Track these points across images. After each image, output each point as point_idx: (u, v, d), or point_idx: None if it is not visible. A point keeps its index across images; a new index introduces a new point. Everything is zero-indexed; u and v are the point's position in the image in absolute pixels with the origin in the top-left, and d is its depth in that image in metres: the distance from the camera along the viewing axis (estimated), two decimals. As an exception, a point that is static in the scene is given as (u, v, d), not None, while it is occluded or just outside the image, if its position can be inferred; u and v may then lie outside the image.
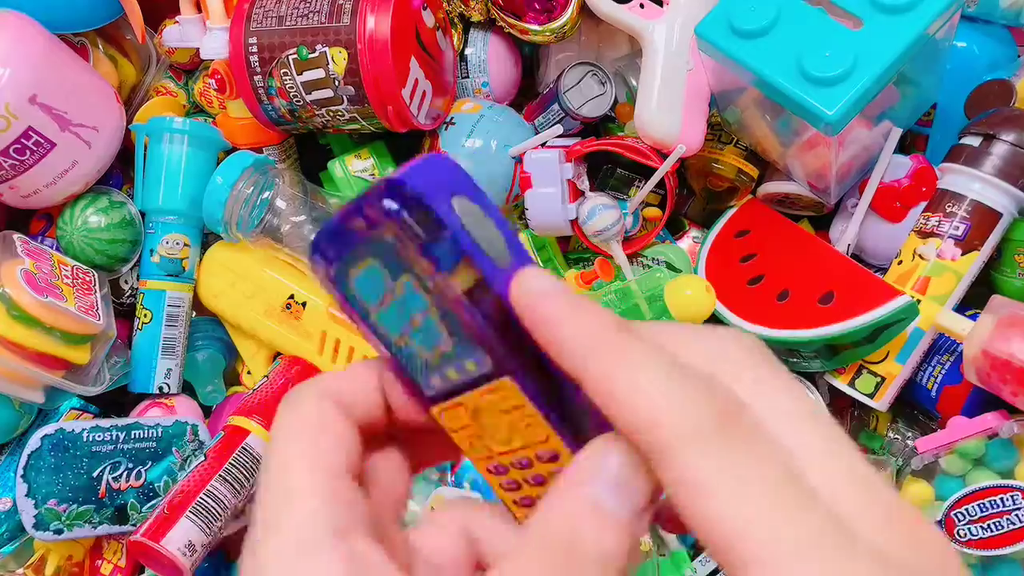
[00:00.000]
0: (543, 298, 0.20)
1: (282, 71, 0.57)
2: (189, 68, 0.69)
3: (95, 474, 0.54)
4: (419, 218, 0.20)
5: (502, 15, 0.61)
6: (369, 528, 0.21)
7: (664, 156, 0.56)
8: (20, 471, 0.53)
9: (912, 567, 0.17)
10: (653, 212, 0.62)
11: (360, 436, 0.23)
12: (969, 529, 0.51)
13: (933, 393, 0.57)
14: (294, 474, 0.21)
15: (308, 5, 0.56)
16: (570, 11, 0.59)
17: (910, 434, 0.60)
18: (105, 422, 0.55)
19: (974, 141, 0.55)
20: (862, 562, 0.17)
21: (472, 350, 0.21)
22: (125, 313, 0.64)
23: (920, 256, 0.55)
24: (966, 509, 0.51)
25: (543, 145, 0.59)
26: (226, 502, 0.53)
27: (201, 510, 0.52)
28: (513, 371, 0.21)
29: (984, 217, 0.54)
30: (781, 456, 0.18)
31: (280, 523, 0.20)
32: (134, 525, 0.55)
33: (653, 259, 0.62)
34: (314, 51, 0.56)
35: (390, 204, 0.20)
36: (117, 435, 0.55)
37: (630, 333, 0.20)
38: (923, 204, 0.57)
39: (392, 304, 0.22)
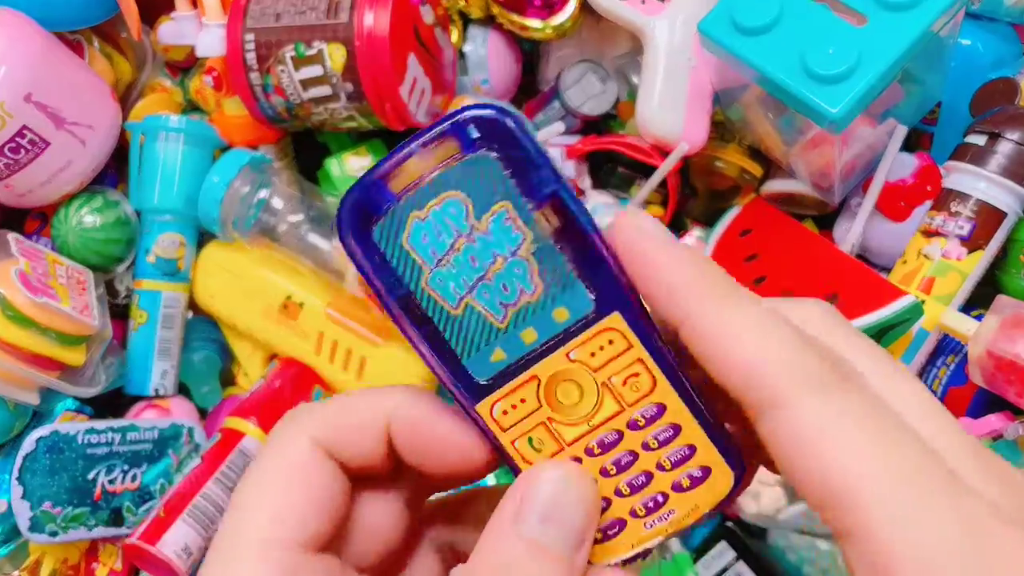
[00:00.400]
0: (652, 240, 0.20)
1: (279, 68, 0.56)
2: (185, 65, 0.68)
3: (90, 476, 0.54)
4: (525, 139, 0.19)
5: (502, 11, 0.60)
6: None
7: (666, 154, 0.56)
8: (15, 473, 0.52)
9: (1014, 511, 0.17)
10: (655, 211, 0.61)
11: (348, 478, 0.22)
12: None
13: (938, 394, 0.56)
14: (242, 540, 0.20)
15: (306, 2, 0.56)
16: (571, 7, 0.58)
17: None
18: (100, 424, 0.55)
19: (979, 140, 0.55)
20: (985, 508, 0.17)
21: (569, 291, 0.19)
22: (120, 314, 0.63)
23: (925, 256, 0.55)
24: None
25: (544, 143, 0.58)
26: (222, 504, 0.53)
27: (197, 513, 0.52)
28: (622, 306, 0.20)
29: (989, 216, 0.54)
30: (891, 409, 0.18)
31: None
32: (130, 528, 0.54)
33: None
34: (311, 48, 0.55)
35: (502, 119, 0.19)
36: (112, 437, 0.55)
37: (740, 288, 0.20)
38: (928, 203, 0.57)
39: (464, 251, 0.19)
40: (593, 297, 0.20)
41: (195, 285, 0.62)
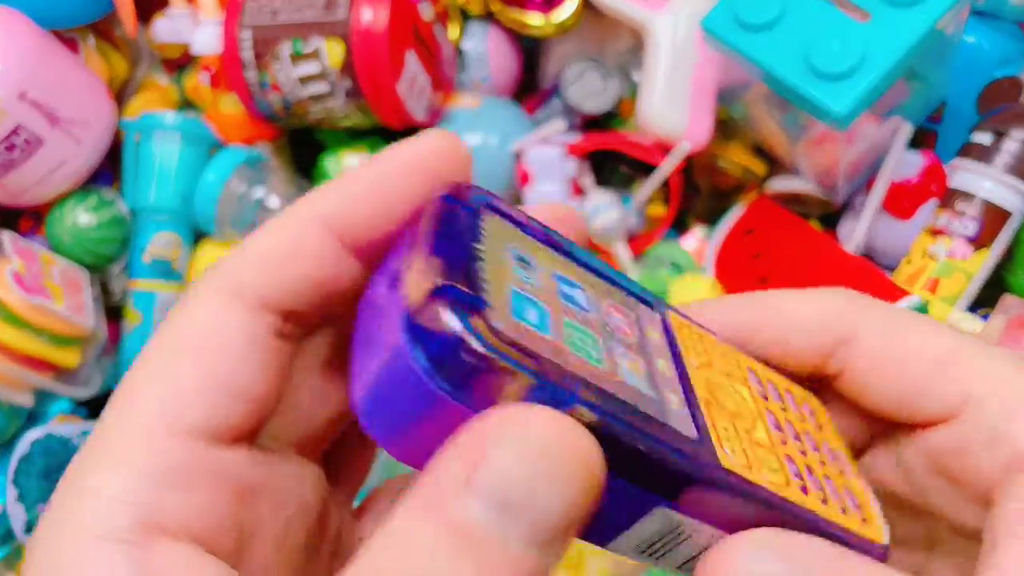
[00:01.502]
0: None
1: (276, 65, 0.56)
2: (180, 63, 0.68)
3: (85, 479, 0.53)
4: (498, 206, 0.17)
5: (502, 7, 0.60)
6: (211, 529, 0.15)
7: (669, 152, 0.55)
8: (11, 476, 0.52)
9: None
10: (658, 210, 0.61)
11: (283, 338, 0.16)
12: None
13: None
14: (125, 428, 0.15)
15: (303, -2, 0.55)
16: (572, 3, 0.58)
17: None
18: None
19: (985, 138, 0.54)
20: None
21: (638, 310, 0.19)
22: (115, 315, 0.62)
23: (930, 255, 0.54)
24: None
25: (544, 141, 0.58)
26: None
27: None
28: (666, 304, 0.20)
29: (995, 215, 0.54)
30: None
31: (81, 497, 0.14)
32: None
33: (658, 258, 0.61)
34: (309, 44, 0.54)
35: (469, 191, 0.16)
36: (107, 439, 0.54)
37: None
38: (933, 202, 0.56)
39: (565, 315, 0.16)
40: (649, 306, 0.19)
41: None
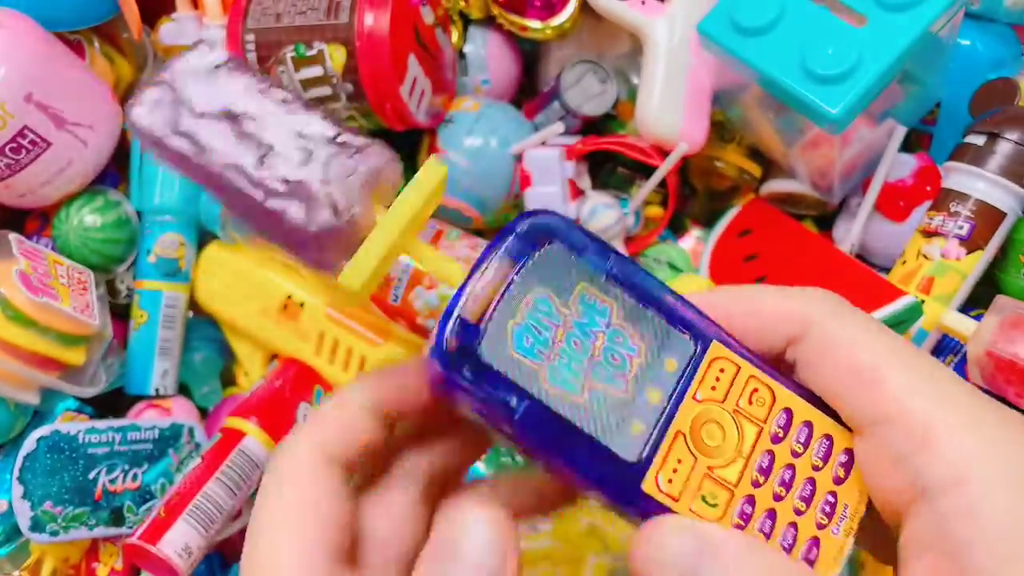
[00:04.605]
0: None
1: (279, 69, 0.56)
2: (186, 66, 0.68)
3: (91, 476, 0.54)
4: (574, 226, 0.21)
5: (502, 12, 0.60)
6: None
7: (666, 154, 0.56)
8: (16, 473, 0.52)
9: None
10: (655, 211, 0.61)
11: (348, 483, 0.23)
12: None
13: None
14: (285, 564, 0.20)
15: (306, 2, 0.56)
16: (571, 8, 0.58)
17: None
18: (101, 424, 0.55)
19: (978, 140, 0.55)
20: None
21: (668, 340, 0.20)
22: (121, 314, 0.63)
23: (924, 256, 0.55)
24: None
25: (543, 143, 0.58)
26: (223, 504, 0.53)
27: (198, 512, 0.52)
28: (715, 335, 0.21)
29: (989, 216, 0.54)
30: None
31: None
32: (130, 527, 0.54)
33: (655, 258, 0.62)
34: (312, 48, 0.55)
35: (549, 216, 0.21)
36: (113, 437, 0.55)
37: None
38: (927, 203, 0.57)
39: (567, 340, 0.20)
40: (689, 337, 0.21)
41: (196, 285, 0.62)
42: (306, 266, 0.23)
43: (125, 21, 0.62)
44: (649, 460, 0.20)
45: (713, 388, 0.21)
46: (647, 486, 0.20)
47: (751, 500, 0.20)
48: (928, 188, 0.57)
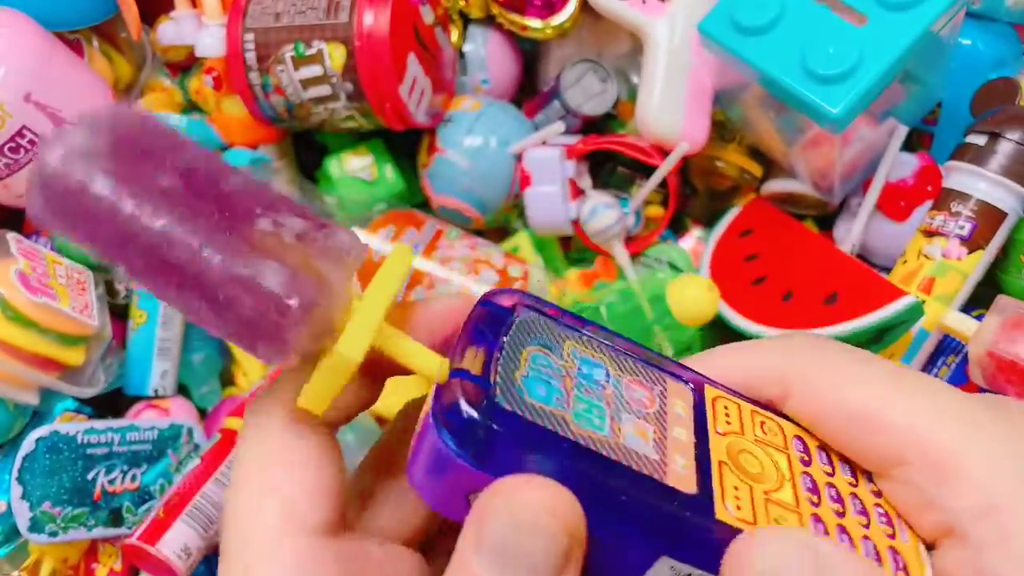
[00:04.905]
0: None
1: (279, 68, 0.56)
2: (184, 65, 0.68)
3: (90, 476, 0.54)
4: (538, 299, 0.21)
5: (502, 11, 0.60)
6: None
7: (666, 154, 0.56)
8: (15, 473, 0.52)
9: None
10: (655, 211, 0.61)
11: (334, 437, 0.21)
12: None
13: (938, 394, 0.56)
14: (258, 539, 0.19)
15: (306, 1, 0.56)
16: (571, 7, 0.58)
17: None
18: (100, 424, 0.55)
19: (979, 139, 0.55)
20: None
21: (668, 386, 0.20)
22: (120, 314, 0.63)
23: (925, 256, 0.55)
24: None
25: (543, 143, 0.58)
26: (222, 505, 0.53)
27: (196, 513, 0.52)
28: (705, 380, 0.21)
29: (990, 216, 0.54)
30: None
31: None
32: (129, 528, 0.54)
33: (655, 259, 0.62)
34: (311, 47, 0.55)
35: (510, 294, 0.20)
36: (112, 437, 0.55)
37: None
38: (928, 203, 0.57)
39: (577, 387, 0.19)
40: (683, 382, 0.21)
41: (195, 285, 0.62)
42: (258, 352, 0.19)
43: (124, 20, 0.62)
44: (709, 490, 0.18)
45: (728, 423, 0.20)
46: (720, 514, 0.18)
47: (818, 519, 0.19)
48: (929, 188, 0.57)
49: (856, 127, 0.50)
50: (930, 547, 0.19)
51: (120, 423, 0.56)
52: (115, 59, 0.65)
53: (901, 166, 0.58)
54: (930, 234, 0.55)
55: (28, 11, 0.56)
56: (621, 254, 0.59)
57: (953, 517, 0.17)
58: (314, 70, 0.55)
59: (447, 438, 0.17)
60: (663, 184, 0.58)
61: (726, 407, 0.21)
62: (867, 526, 0.19)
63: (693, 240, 0.65)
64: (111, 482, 0.54)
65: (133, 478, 0.55)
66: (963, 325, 0.52)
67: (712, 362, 0.22)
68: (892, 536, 0.19)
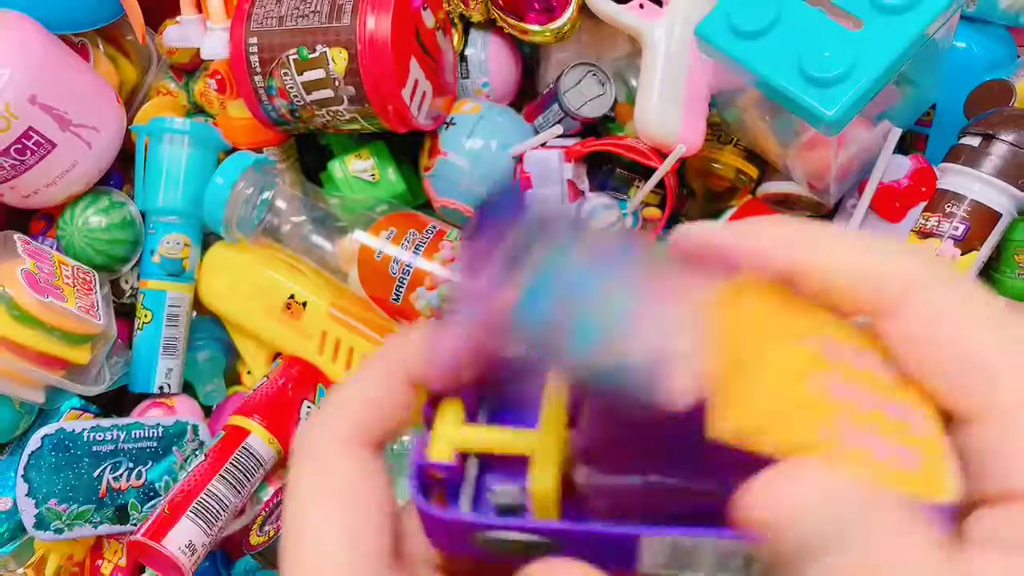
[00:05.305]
0: (714, 235, 0.21)
1: (282, 71, 0.57)
2: (189, 68, 0.69)
3: (96, 474, 0.54)
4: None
5: (502, 15, 0.61)
6: None
7: (664, 156, 0.56)
8: (21, 471, 0.53)
9: None
10: (653, 212, 0.62)
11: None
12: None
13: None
14: (327, 565, 0.19)
15: (308, 5, 0.56)
16: (570, 11, 0.59)
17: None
18: (106, 422, 0.56)
19: (973, 141, 0.55)
20: None
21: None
22: (125, 313, 0.64)
23: (920, 256, 0.55)
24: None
25: (543, 145, 0.59)
26: (226, 502, 0.53)
27: (201, 510, 0.52)
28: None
29: (983, 217, 0.54)
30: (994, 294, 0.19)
31: None
32: (134, 525, 0.55)
33: (653, 259, 0.62)
34: (314, 51, 0.56)
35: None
36: (118, 435, 0.55)
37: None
38: (923, 204, 0.57)
39: None
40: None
41: (200, 285, 0.62)
42: None
43: (129, 23, 0.63)
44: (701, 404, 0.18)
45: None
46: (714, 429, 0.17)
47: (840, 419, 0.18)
48: (923, 189, 0.58)
49: (851, 129, 0.50)
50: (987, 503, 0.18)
51: (126, 421, 0.56)
52: (120, 62, 0.66)
53: (896, 168, 0.58)
54: (924, 235, 0.55)
55: (34, 14, 0.57)
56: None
57: (1014, 487, 0.17)
58: (317, 73, 0.56)
59: (414, 490, 0.19)
60: (660, 185, 0.59)
61: (760, 298, 0.19)
62: (886, 421, 0.18)
63: (691, 241, 0.65)
64: (116, 479, 0.55)
65: (138, 475, 0.56)
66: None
67: (827, 251, 0.19)
68: (910, 428, 0.18)
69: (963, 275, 0.20)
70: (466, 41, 0.64)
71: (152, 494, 0.56)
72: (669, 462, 0.18)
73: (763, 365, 0.18)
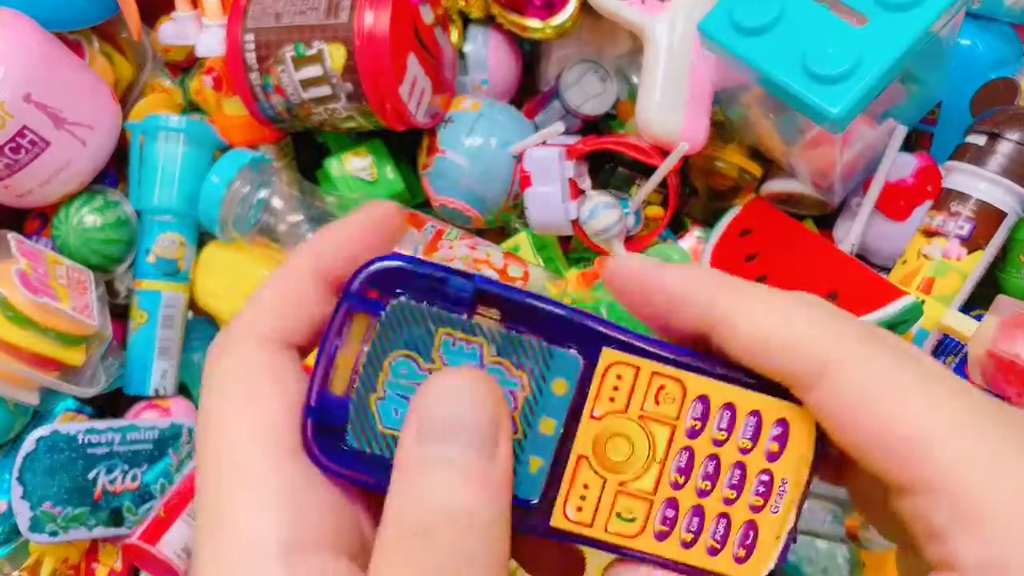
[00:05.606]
0: (646, 266, 0.20)
1: (279, 68, 0.56)
2: (185, 65, 0.68)
3: (90, 476, 0.54)
4: (417, 265, 0.19)
5: (502, 11, 0.60)
6: (337, 533, 0.19)
7: (666, 154, 0.56)
8: (15, 473, 0.52)
9: None
10: (655, 211, 0.61)
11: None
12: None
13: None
14: (239, 461, 0.19)
15: (306, 2, 0.56)
16: (571, 7, 0.58)
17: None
18: (100, 424, 0.55)
19: (979, 139, 0.55)
20: None
21: (552, 361, 0.19)
22: (120, 314, 0.63)
23: (925, 256, 0.55)
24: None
25: (543, 143, 0.58)
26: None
27: (197, 513, 0.52)
28: (605, 340, 0.19)
29: (989, 216, 0.54)
30: (927, 357, 0.19)
31: (221, 536, 0.18)
32: (130, 528, 0.54)
33: (655, 258, 0.62)
34: (311, 48, 0.55)
35: (384, 263, 0.19)
36: (112, 437, 0.55)
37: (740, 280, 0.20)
38: (928, 203, 0.57)
39: None
40: (575, 351, 0.19)
41: (195, 285, 0.62)
42: None
43: (124, 21, 0.62)
44: (553, 495, 0.19)
45: (612, 399, 0.19)
46: (556, 521, 0.19)
47: (673, 503, 0.19)
48: (929, 188, 0.57)
49: (856, 127, 0.50)
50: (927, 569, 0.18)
51: (121, 423, 0.56)
52: (116, 59, 0.66)
53: (901, 166, 0.58)
54: (930, 234, 0.55)
55: (29, 12, 0.56)
56: (621, 254, 0.59)
57: (958, 560, 0.17)
58: (314, 70, 0.55)
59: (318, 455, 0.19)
60: (663, 184, 0.58)
61: (619, 375, 0.20)
62: (733, 501, 0.19)
63: (693, 240, 0.65)
64: (112, 482, 0.55)
65: (134, 478, 0.55)
66: (963, 325, 0.52)
67: (742, 308, 0.19)
68: (759, 509, 0.19)
69: (887, 337, 0.19)
70: (465, 37, 0.63)
71: (147, 497, 0.55)
72: None
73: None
